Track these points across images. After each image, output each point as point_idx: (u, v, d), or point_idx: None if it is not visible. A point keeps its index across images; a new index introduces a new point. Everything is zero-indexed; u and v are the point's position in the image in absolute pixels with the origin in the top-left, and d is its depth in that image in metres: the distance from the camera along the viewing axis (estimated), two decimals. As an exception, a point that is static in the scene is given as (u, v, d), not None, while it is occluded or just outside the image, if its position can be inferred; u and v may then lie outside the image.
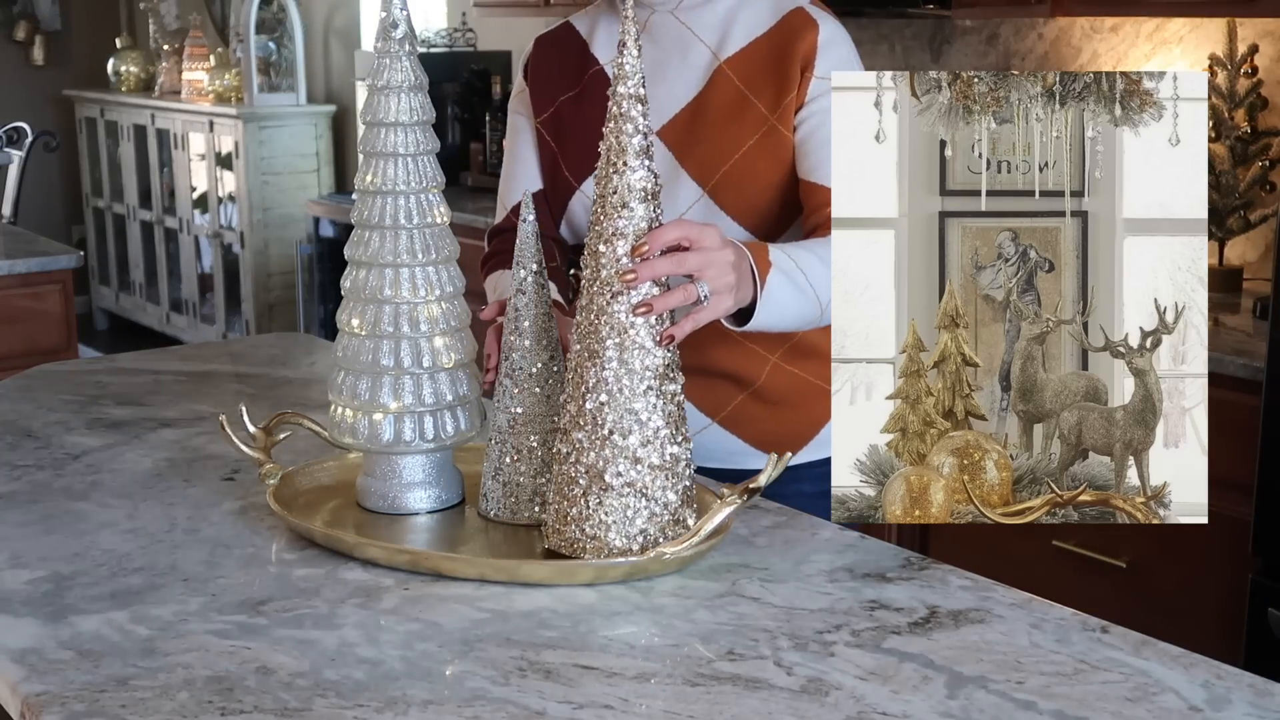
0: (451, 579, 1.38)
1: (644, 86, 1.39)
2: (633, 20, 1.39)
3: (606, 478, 1.36)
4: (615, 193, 1.37)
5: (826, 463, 1.70)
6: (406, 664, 1.20)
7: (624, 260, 1.36)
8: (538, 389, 1.50)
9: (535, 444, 1.50)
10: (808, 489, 1.59)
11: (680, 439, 1.39)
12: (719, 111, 1.74)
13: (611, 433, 1.36)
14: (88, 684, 1.17)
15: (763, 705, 1.13)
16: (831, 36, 1.73)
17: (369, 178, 1.49)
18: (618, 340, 1.36)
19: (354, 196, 1.53)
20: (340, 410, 1.53)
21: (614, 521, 1.37)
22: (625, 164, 1.37)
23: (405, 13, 1.48)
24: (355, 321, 1.50)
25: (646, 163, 1.38)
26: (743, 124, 1.73)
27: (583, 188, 1.80)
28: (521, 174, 1.89)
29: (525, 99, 1.90)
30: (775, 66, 1.73)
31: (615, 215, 1.37)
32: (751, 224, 1.74)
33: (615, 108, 1.38)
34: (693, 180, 1.73)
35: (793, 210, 1.74)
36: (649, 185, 1.38)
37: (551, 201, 1.86)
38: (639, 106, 1.38)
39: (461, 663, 1.21)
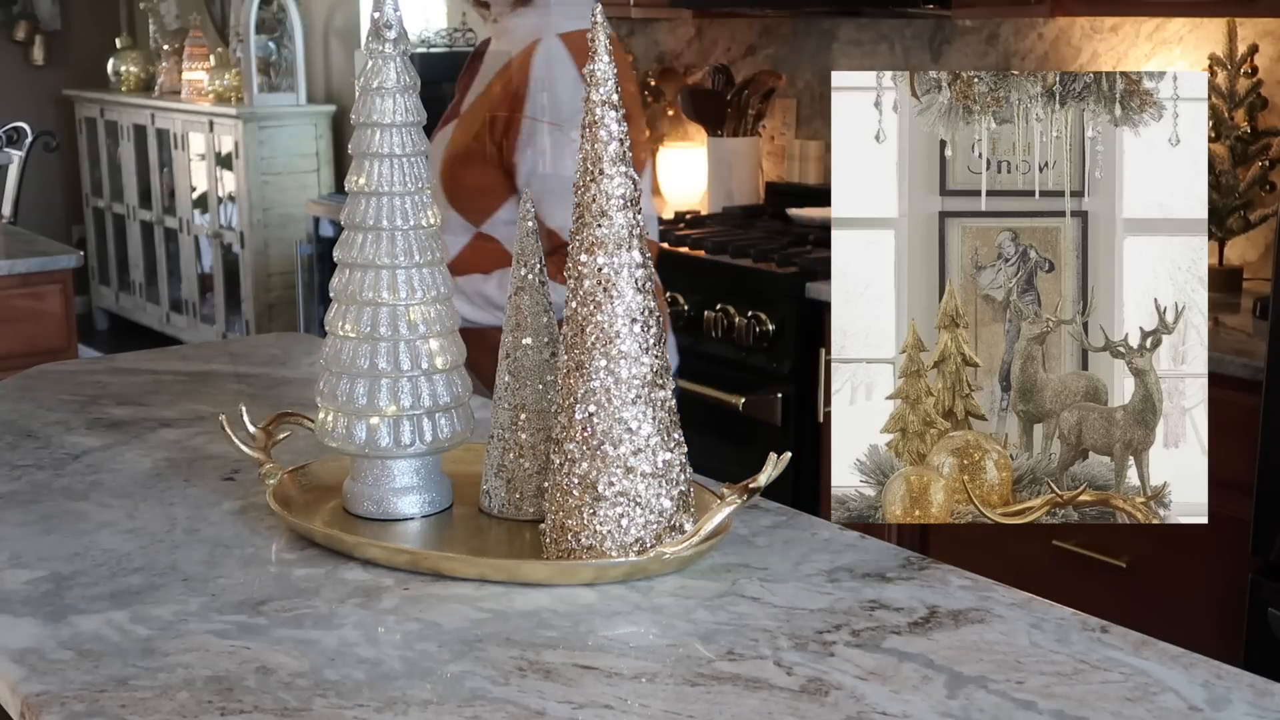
0: (451, 579, 1.38)
1: (617, 93, 1.38)
2: (603, 26, 1.39)
3: (599, 488, 1.36)
4: (594, 201, 1.37)
5: None
6: (406, 664, 1.20)
7: (604, 270, 1.36)
8: (540, 385, 1.50)
9: (539, 439, 1.50)
10: None
11: (673, 445, 1.39)
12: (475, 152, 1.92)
13: (602, 443, 1.36)
14: (88, 684, 1.17)
15: (763, 705, 1.13)
16: (545, 71, 1.81)
17: (360, 179, 1.48)
18: (604, 349, 1.36)
19: None
20: (332, 415, 1.51)
21: (609, 531, 1.36)
22: (602, 171, 1.37)
23: (399, 14, 1.48)
24: (348, 326, 1.49)
25: (623, 169, 1.37)
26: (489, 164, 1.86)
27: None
28: None
29: None
30: (502, 106, 1.87)
31: (595, 224, 1.37)
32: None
33: (589, 115, 1.37)
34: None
35: None
36: (627, 192, 1.37)
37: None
38: (612, 113, 1.37)
39: (461, 663, 1.21)
